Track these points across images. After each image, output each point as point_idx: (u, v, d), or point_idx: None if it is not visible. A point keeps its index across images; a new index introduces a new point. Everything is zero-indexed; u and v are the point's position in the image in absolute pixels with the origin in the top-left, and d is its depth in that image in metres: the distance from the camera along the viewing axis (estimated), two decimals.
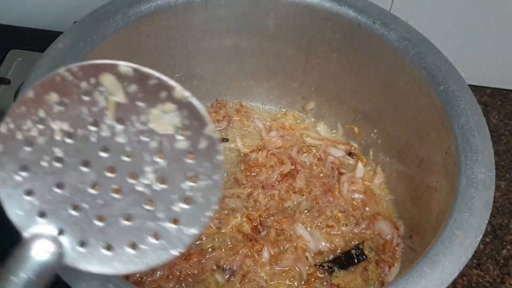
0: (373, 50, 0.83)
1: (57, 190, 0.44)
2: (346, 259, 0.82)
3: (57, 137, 0.43)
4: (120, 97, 0.42)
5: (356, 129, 0.95)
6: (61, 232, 0.44)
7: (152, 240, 0.43)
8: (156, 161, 0.42)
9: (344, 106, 0.94)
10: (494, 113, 1.12)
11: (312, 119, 0.99)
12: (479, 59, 1.08)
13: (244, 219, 0.84)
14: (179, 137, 0.42)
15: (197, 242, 0.81)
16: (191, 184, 0.42)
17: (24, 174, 0.44)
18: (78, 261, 0.45)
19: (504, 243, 0.95)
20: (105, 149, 0.43)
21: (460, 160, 0.70)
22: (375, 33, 0.82)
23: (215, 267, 0.79)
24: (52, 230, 0.44)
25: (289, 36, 0.88)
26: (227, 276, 0.78)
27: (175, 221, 0.43)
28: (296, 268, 0.80)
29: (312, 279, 0.79)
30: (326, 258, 0.82)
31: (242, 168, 0.90)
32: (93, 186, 0.43)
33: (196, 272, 0.78)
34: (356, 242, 0.84)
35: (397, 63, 0.81)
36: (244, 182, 0.88)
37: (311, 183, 0.89)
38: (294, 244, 0.82)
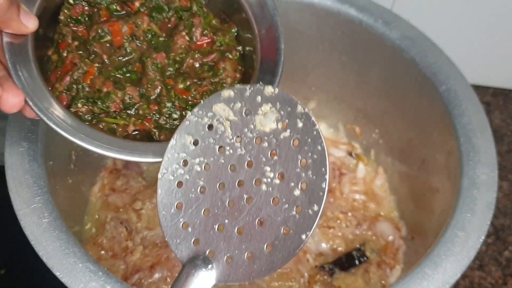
0: (375, 49, 0.83)
1: (204, 215, 0.52)
2: (347, 261, 0.82)
3: (198, 169, 0.52)
4: (231, 117, 0.52)
5: (357, 129, 0.94)
6: (212, 252, 0.51)
7: (283, 233, 0.48)
8: (271, 158, 0.50)
9: (345, 106, 0.94)
10: (497, 113, 1.11)
11: None
12: (481, 59, 1.07)
13: None
14: (281, 128, 0.50)
15: None
16: (303, 166, 0.49)
17: (179, 210, 0.52)
18: (228, 276, 0.50)
19: (506, 244, 0.94)
20: (232, 167, 0.51)
21: (463, 161, 0.69)
22: (376, 32, 0.81)
23: None
24: (205, 252, 0.51)
25: (289, 35, 0.88)
26: None
27: (297, 207, 0.48)
28: (297, 269, 0.79)
29: (313, 281, 0.79)
30: (327, 260, 0.82)
31: None
32: (230, 202, 0.51)
33: None
34: (357, 244, 0.84)
35: (398, 62, 0.80)
36: None
37: None
38: None
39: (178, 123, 0.60)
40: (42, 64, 0.59)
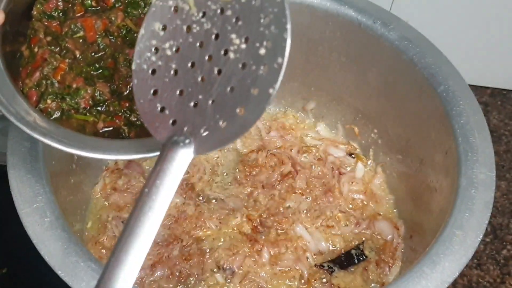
0: (373, 50, 0.83)
1: (179, 96, 0.53)
2: (346, 259, 0.82)
3: (169, 53, 0.53)
4: None
5: (356, 129, 0.95)
6: (189, 129, 0.52)
7: (253, 94, 0.49)
8: (236, 24, 0.50)
9: (344, 106, 0.94)
10: (494, 113, 1.12)
11: (312, 119, 0.99)
12: (479, 59, 1.08)
13: (244, 219, 0.84)
14: None
15: (197, 243, 0.81)
16: (266, 23, 0.49)
17: (155, 96, 0.53)
18: (206, 146, 0.52)
19: (504, 243, 0.95)
20: (200, 43, 0.52)
21: (461, 160, 0.70)
22: (375, 33, 0.82)
23: (215, 268, 0.79)
24: (183, 129, 0.52)
25: None
26: (227, 276, 0.78)
27: (264, 66, 0.49)
28: (296, 268, 0.80)
29: (312, 280, 0.79)
30: (326, 258, 0.82)
31: (242, 168, 0.90)
32: (202, 78, 0.52)
33: (196, 272, 0.78)
34: (356, 242, 0.84)
35: (397, 63, 0.81)
36: (244, 182, 0.88)
37: (311, 183, 0.89)
38: (294, 245, 0.82)
39: None
40: (15, 60, 0.59)
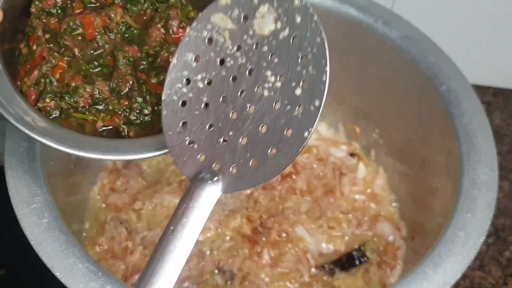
0: (375, 49, 0.83)
1: (208, 130, 0.52)
2: (348, 261, 0.82)
3: (201, 85, 0.52)
4: (230, 26, 0.51)
5: (357, 129, 0.94)
6: (217, 165, 0.51)
7: (286, 135, 0.49)
8: (272, 62, 0.49)
9: (345, 106, 0.94)
10: (497, 113, 1.11)
11: None
12: (481, 59, 1.07)
13: (244, 220, 0.84)
14: (280, 28, 0.49)
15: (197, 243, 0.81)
16: (303, 63, 0.48)
17: (184, 129, 0.52)
18: (234, 185, 0.51)
19: (506, 244, 0.94)
20: (234, 78, 0.51)
21: (463, 161, 0.69)
22: (376, 32, 0.81)
23: (215, 269, 0.79)
24: (211, 166, 0.51)
25: None
26: (227, 278, 0.78)
27: (299, 106, 0.48)
28: (297, 270, 0.80)
29: (313, 281, 0.79)
30: (327, 260, 0.82)
31: None
32: (233, 114, 0.51)
33: (195, 274, 0.78)
34: (358, 244, 0.84)
35: (399, 62, 0.81)
36: None
37: (312, 184, 0.88)
38: (295, 246, 0.81)
39: (149, 119, 0.60)
40: (14, 58, 0.59)
